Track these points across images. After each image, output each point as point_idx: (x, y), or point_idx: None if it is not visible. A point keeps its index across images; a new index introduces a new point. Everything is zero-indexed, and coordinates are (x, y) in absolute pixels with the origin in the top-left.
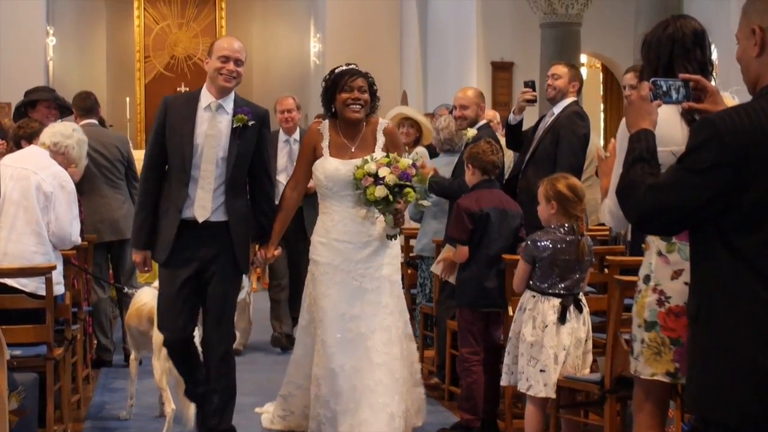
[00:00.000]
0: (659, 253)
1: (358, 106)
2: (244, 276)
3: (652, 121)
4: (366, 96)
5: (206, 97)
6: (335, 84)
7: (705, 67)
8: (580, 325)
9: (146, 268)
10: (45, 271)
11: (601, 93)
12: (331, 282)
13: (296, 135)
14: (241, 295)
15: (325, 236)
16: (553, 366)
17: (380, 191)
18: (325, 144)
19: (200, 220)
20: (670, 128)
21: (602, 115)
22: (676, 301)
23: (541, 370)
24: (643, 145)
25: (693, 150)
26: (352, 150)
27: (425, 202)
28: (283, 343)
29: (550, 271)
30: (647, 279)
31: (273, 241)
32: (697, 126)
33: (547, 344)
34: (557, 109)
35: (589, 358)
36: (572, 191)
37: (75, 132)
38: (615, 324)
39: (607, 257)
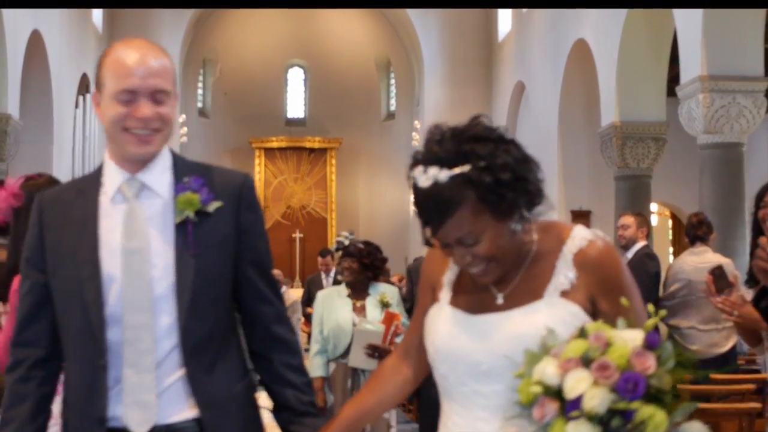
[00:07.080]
0: None
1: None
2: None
3: None
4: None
5: (112, 176)
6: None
7: None
8: None
9: None
10: None
11: (670, 237)
12: None
13: None
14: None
15: None
16: None
17: (579, 430)
18: (447, 279)
19: (140, 431)
20: None
21: (671, 257)
22: None
23: None
24: None
25: None
26: (499, 300)
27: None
28: None
29: None
30: None
31: None
32: None
33: None
34: (630, 254)
35: None
36: None
37: None
38: None
39: None
